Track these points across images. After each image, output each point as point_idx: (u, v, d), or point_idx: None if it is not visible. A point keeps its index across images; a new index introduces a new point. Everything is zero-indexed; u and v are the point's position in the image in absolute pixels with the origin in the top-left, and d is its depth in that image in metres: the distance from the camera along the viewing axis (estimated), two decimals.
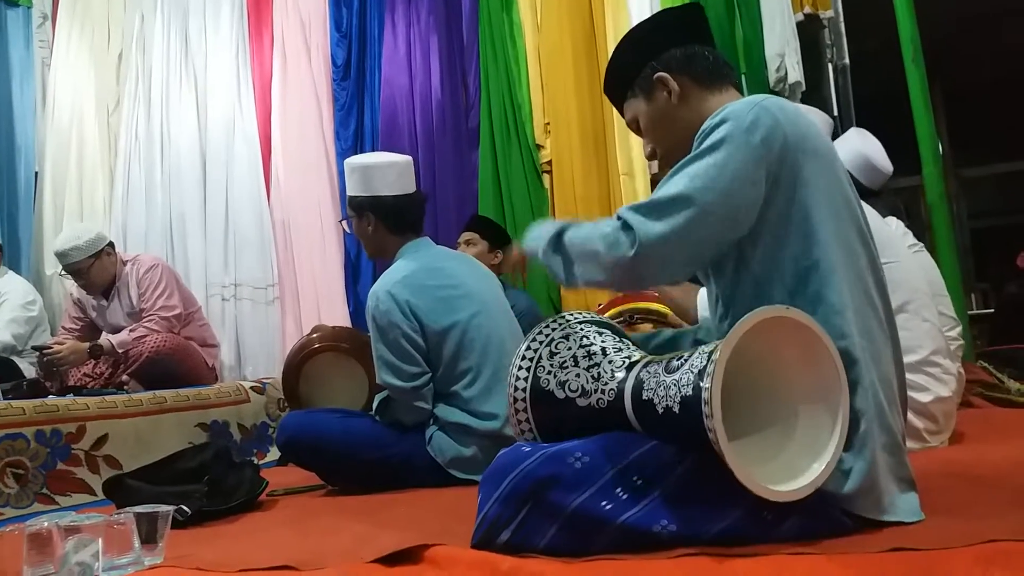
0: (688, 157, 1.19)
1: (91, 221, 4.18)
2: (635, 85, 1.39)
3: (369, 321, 2.15)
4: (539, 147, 3.72)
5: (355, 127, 4.07)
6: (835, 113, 3.66)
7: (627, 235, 1.16)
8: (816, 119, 2.07)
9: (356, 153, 3.90)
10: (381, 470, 2.11)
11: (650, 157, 1.44)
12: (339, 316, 3.84)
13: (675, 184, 1.17)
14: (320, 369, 2.59)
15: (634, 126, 1.44)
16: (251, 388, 3.04)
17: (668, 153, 1.39)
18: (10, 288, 3.61)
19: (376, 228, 2.25)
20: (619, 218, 1.19)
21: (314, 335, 2.69)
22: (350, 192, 2.28)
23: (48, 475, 2.23)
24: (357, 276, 4.00)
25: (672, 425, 1.10)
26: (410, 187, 2.30)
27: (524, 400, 1.28)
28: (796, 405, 1.13)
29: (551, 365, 1.27)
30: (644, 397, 1.14)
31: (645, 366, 1.18)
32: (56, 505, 2.20)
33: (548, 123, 3.75)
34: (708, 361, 1.04)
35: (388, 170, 2.27)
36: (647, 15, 3.67)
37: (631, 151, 3.56)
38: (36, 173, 4.56)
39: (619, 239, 1.17)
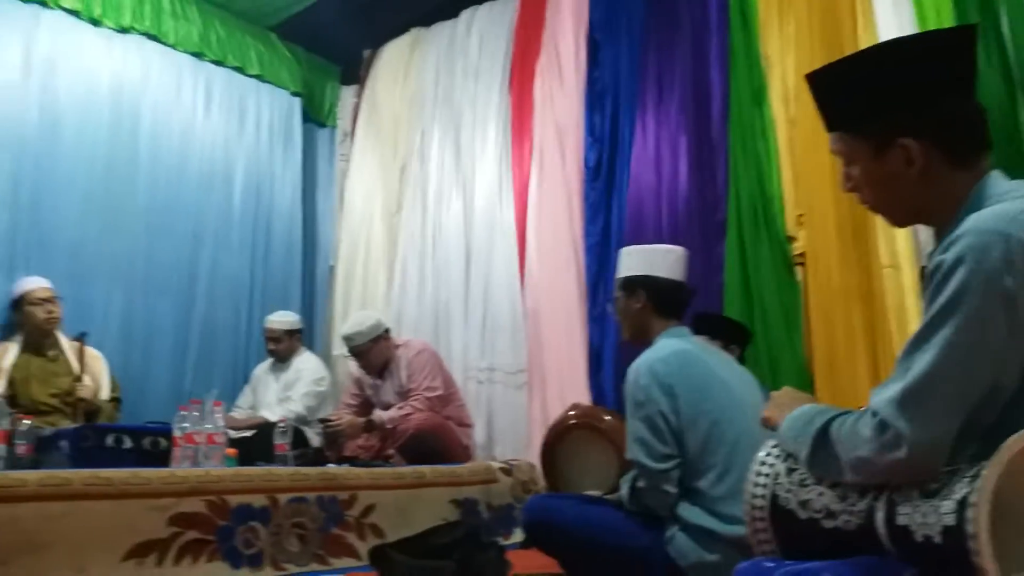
0: (930, 318, 1.04)
1: (372, 309, 4.70)
2: (863, 131, 1.15)
3: (627, 396, 2.14)
4: (790, 239, 3.60)
5: (603, 223, 4.22)
6: None
7: (892, 438, 1.05)
8: None
9: (603, 248, 4.06)
10: (618, 563, 2.09)
11: (848, 190, 1.22)
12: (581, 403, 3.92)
13: (924, 361, 1.03)
14: (574, 445, 2.66)
15: (839, 156, 1.20)
16: (500, 469, 3.17)
17: (879, 209, 1.22)
18: (306, 366, 4.17)
19: (644, 307, 2.28)
20: (875, 414, 1.07)
21: (571, 412, 2.77)
22: (624, 273, 2.33)
23: (324, 537, 2.47)
24: (600, 365, 4.07)
25: (932, 554, 1.01)
26: (682, 276, 2.35)
27: (764, 519, 1.23)
28: None
29: (790, 483, 1.20)
30: (899, 523, 1.06)
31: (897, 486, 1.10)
32: (328, 567, 2.43)
33: (801, 215, 3.62)
34: (971, 488, 0.95)
35: (668, 254, 2.34)
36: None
37: (896, 242, 3.30)
38: (331, 267, 5.29)
39: (885, 443, 1.05)
